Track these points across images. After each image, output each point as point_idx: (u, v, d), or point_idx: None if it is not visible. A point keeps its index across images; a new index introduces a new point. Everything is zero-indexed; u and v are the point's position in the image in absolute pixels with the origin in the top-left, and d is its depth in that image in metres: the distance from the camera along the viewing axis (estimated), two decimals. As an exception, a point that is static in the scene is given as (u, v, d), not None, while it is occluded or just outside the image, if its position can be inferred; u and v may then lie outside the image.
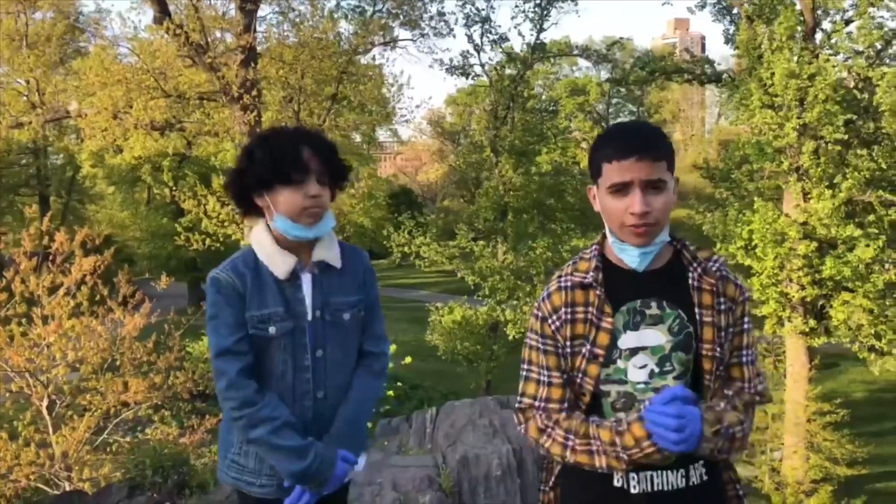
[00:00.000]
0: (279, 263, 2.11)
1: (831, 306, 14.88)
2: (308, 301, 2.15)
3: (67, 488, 6.28)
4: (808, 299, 15.03)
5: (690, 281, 1.75)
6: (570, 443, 1.71)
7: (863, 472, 14.96)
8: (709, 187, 22.65)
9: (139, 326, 7.77)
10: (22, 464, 6.65)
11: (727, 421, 1.69)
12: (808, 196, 14.58)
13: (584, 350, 1.73)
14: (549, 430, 1.74)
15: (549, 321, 1.76)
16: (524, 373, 1.81)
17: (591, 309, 1.73)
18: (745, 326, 1.81)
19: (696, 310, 1.73)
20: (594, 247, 1.81)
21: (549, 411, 1.76)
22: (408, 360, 10.02)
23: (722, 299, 1.76)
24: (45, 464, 6.69)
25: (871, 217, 14.47)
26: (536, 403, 1.77)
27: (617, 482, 1.74)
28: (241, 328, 2.08)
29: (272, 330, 2.09)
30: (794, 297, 14.89)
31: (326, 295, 2.16)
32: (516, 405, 1.83)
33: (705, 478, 1.76)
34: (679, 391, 1.65)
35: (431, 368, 21.08)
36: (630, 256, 1.72)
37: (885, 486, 16.31)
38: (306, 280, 2.16)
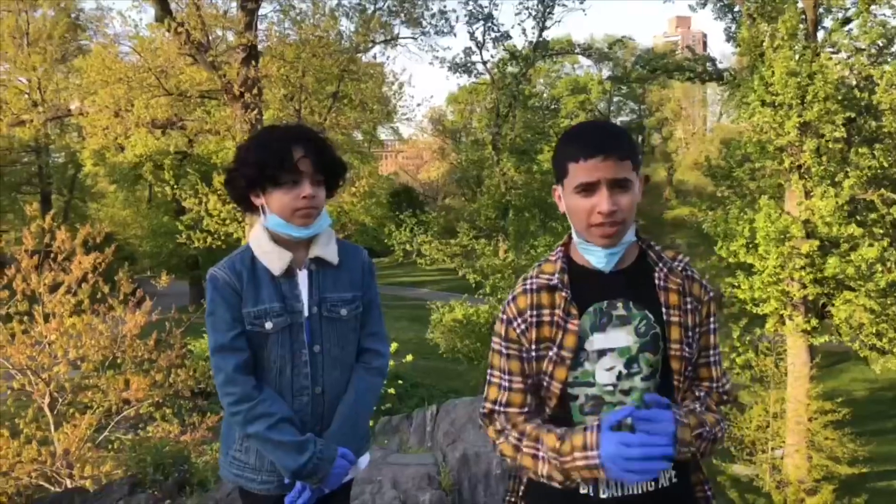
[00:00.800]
0: (275, 260, 2.13)
1: (833, 305, 14.87)
2: (304, 297, 2.16)
3: (69, 486, 6.30)
4: (810, 298, 15.02)
5: (657, 281, 1.74)
6: (521, 445, 1.69)
7: (864, 471, 14.94)
8: (710, 185, 22.64)
9: (140, 324, 7.79)
10: (23, 461, 6.67)
11: (708, 423, 1.68)
12: (810, 194, 14.57)
13: (550, 353, 1.71)
14: (506, 431, 1.72)
15: (514, 324, 1.74)
16: (488, 377, 1.79)
17: (556, 311, 1.71)
18: (712, 326, 1.80)
19: (663, 310, 1.72)
20: (559, 249, 1.80)
21: (509, 416, 1.74)
22: (409, 358, 10.06)
23: (688, 298, 1.75)
24: (46, 461, 6.72)
25: (874, 216, 14.46)
26: (497, 408, 1.75)
27: (583, 489, 1.71)
28: (238, 324, 2.10)
29: (269, 325, 2.11)
30: (795, 295, 14.88)
31: (323, 291, 2.18)
32: (480, 410, 1.81)
33: (675, 480, 1.74)
34: (653, 399, 1.61)
35: (432, 367, 21.08)
36: (596, 257, 1.71)
37: (887, 486, 16.29)
38: (303, 276, 2.17)
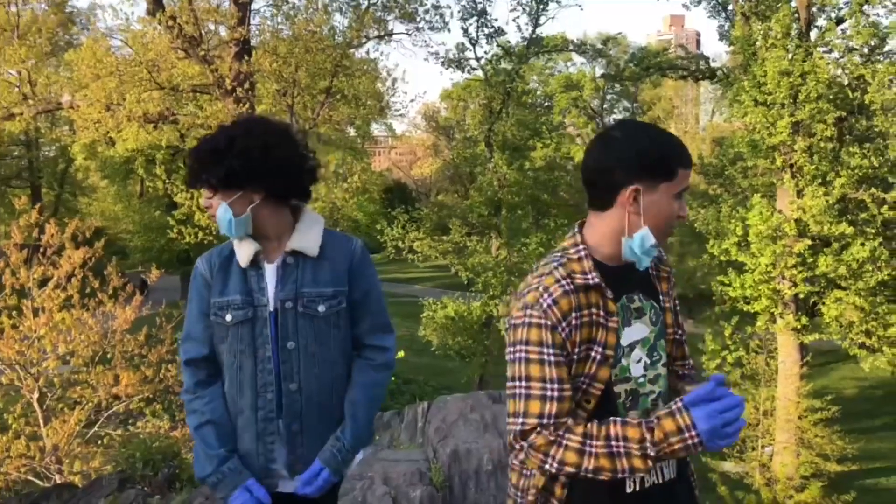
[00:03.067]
0: (241, 251, 2.12)
1: (823, 303, 14.95)
2: (270, 291, 2.10)
3: (58, 481, 6.26)
4: (801, 296, 15.09)
5: (651, 270, 1.82)
6: (589, 448, 1.57)
7: (853, 469, 15.04)
8: (702, 184, 22.70)
9: (130, 319, 7.75)
10: (12, 456, 6.64)
11: None
12: (802, 193, 14.63)
13: (592, 353, 1.66)
14: (561, 438, 1.59)
15: (560, 328, 1.62)
16: (522, 391, 1.63)
17: (595, 311, 1.67)
18: (677, 303, 1.88)
19: (661, 297, 1.81)
20: (581, 247, 1.72)
21: (558, 425, 1.61)
22: (400, 354, 10.05)
23: (670, 283, 1.85)
24: (35, 456, 6.69)
25: (864, 215, 14.53)
26: (545, 422, 1.60)
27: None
28: (205, 317, 2.15)
29: (228, 318, 2.09)
30: (786, 293, 14.94)
31: (300, 285, 2.09)
32: (518, 429, 1.64)
33: (674, 473, 1.78)
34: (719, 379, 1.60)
35: (424, 363, 21.09)
36: (649, 257, 1.70)
37: (875, 483, 16.41)
38: (270, 269, 2.11)
